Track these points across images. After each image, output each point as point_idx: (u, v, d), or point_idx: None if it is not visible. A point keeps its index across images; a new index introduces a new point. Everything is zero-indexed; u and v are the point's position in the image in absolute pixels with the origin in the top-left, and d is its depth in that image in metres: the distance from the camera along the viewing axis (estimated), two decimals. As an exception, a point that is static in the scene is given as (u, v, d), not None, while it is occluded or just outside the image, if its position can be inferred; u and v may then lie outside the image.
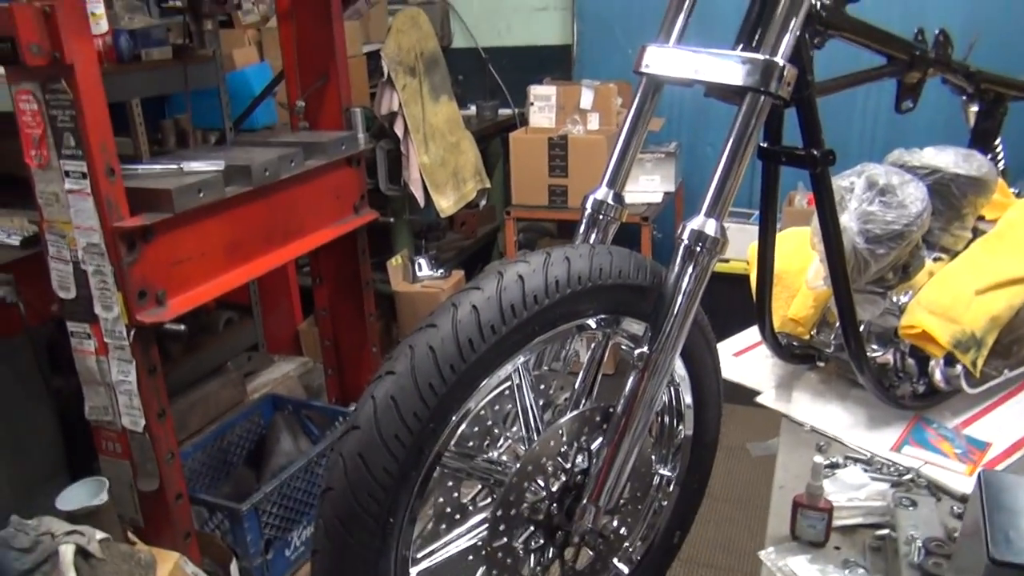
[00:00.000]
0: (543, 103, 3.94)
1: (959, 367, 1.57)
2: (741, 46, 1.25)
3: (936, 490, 1.44)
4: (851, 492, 1.43)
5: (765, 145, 1.46)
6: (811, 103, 1.36)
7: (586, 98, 3.87)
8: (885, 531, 1.34)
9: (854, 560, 1.30)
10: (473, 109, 4.48)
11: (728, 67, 1.19)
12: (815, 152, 1.38)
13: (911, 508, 1.33)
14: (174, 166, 1.96)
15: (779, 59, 1.16)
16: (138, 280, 1.75)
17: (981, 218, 1.81)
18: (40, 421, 2.14)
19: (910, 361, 1.61)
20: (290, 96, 2.61)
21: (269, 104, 3.45)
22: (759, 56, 1.17)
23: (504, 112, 4.49)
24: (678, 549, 1.53)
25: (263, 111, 3.40)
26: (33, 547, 1.56)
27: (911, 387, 1.63)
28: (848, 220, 1.56)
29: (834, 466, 1.52)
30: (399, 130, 3.36)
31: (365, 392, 1.05)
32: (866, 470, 1.51)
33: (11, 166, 2.52)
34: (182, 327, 1.86)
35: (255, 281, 3.15)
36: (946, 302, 1.55)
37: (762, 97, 1.17)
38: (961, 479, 1.46)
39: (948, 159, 1.67)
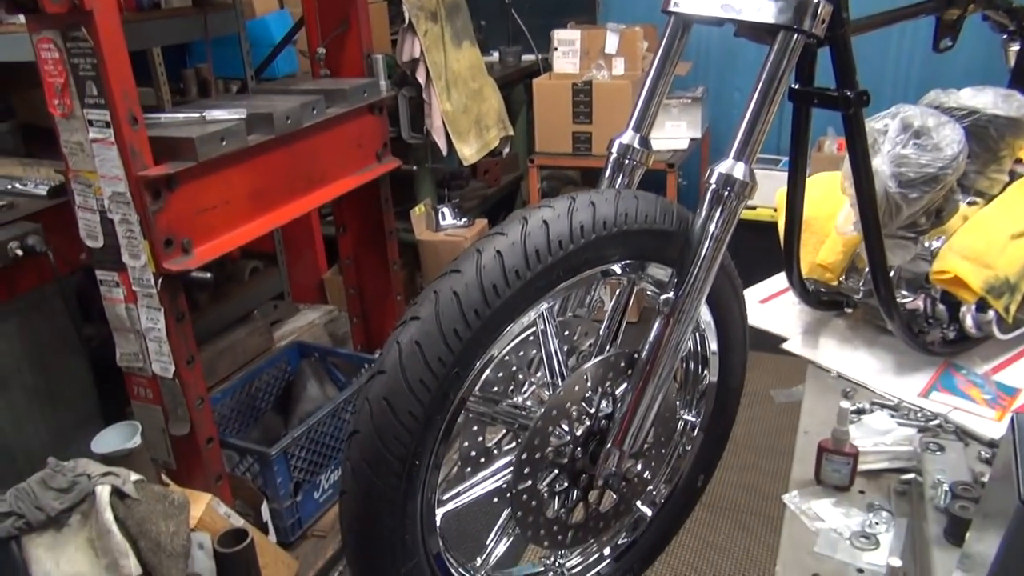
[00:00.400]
0: (567, 48, 3.86)
1: (991, 313, 1.54)
2: (773, -19, 1.21)
3: (964, 435, 1.43)
4: (877, 437, 1.43)
5: (796, 86, 1.42)
6: (846, 42, 1.31)
7: (611, 43, 3.78)
8: (911, 475, 1.34)
9: (879, 504, 1.30)
10: (496, 55, 4.40)
11: (760, 4, 1.15)
12: (848, 93, 1.34)
13: (938, 453, 1.32)
14: (196, 115, 1.96)
15: (813, -6, 1.12)
16: (164, 228, 1.76)
17: (1019, 161, 1.76)
18: (73, 368, 2.19)
19: (941, 307, 1.59)
20: (311, 43, 2.58)
21: (290, 52, 3.42)
22: (792, -8, 1.13)
23: (527, 58, 4.41)
24: (701, 493, 1.54)
25: (284, 59, 3.37)
26: (71, 487, 1.60)
27: (941, 333, 1.61)
28: (881, 163, 1.52)
29: (860, 412, 1.52)
30: (421, 77, 3.31)
31: (390, 337, 1.06)
32: (892, 415, 1.50)
33: (36, 116, 2.53)
34: (208, 275, 1.88)
35: (279, 230, 3.17)
36: (980, 247, 1.52)
37: (795, 35, 1.14)
38: (990, 424, 1.45)
39: (987, 99, 1.62)
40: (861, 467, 1.36)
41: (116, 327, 1.87)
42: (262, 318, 2.95)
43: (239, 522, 1.91)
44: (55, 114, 1.72)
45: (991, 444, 1.40)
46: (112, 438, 1.84)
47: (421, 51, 3.24)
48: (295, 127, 2.08)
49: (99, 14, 1.59)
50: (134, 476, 1.68)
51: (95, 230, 1.79)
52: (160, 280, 1.77)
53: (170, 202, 1.77)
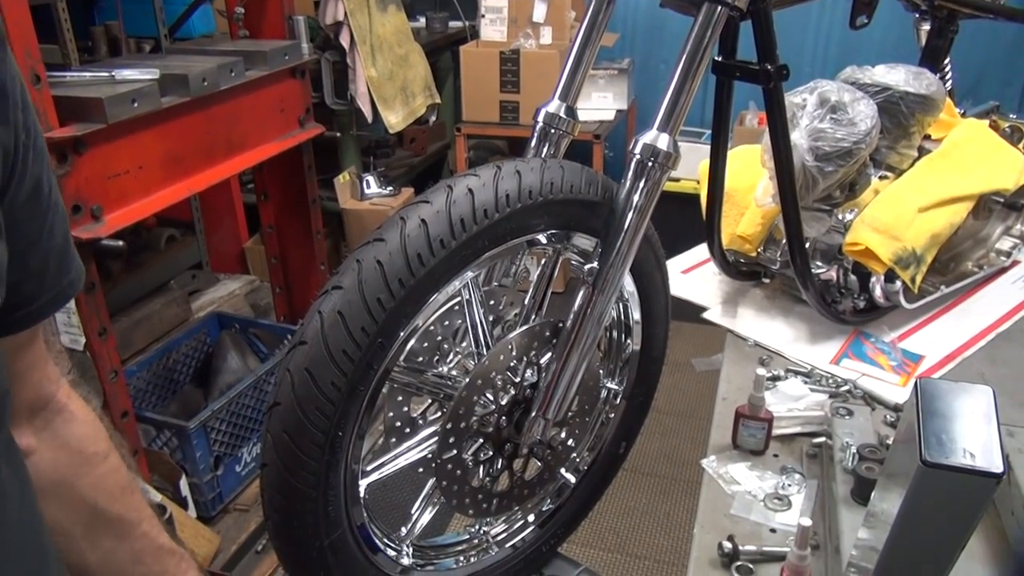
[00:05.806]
0: (495, 15, 3.82)
1: (898, 283, 1.61)
2: (698, -47, 1.22)
3: (871, 400, 1.50)
4: (791, 403, 1.48)
5: (719, 59, 1.44)
6: (767, 16, 1.33)
7: (539, 11, 3.77)
8: (821, 439, 1.39)
9: (791, 466, 1.35)
10: (422, 21, 4.33)
11: (685, -25, 1.16)
12: (769, 67, 1.37)
13: (847, 417, 1.38)
14: (105, 74, 1.86)
15: (736, -33, 1.13)
16: (71, 194, 1.68)
17: (927, 137, 1.83)
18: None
19: (852, 277, 1.65)
20: (229, 2, 2.48)
21: (206, 11, 3.28)
22: (716, -37, 1.14)
23: (455, 24, 4.35)
24: (624, 459, 1.57)
25: (200, 18, 3.24)
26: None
27: (852, 303, 1.68)
28: (799, 137, 1.56)
29: (776, 379, 1.57)
30: (345, 41, 3.23)
31: (312, 307, 1.03)
32: (806, 382, 1.56)
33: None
34: (121, 243, 1.80)
35: (197, 197, 3.07)
36: (889, 220, 1.58)
37: (719, 8, 1.14)
38: (895, 390, 1.52)
39: (899, 77, 1.68)
40: (775, 432, 1.41)
41: (20, 297, 1.78)
42: (179, 288, 2.86)
43: (156, 498, 1.86)
44: (-53, 70, 1.61)
45: (896, 408, 1.47)
46: (18, 413, 1.76)
47: (345, 14, 3.16)
48: (212, 89, 2.00)
49: (-5, -37, 1.50)
50: (42, 452, 1.62)
51: (-5, 195, 1.69)
52: (68, 248, 1.69)
53: (78, 166, 1.69)
